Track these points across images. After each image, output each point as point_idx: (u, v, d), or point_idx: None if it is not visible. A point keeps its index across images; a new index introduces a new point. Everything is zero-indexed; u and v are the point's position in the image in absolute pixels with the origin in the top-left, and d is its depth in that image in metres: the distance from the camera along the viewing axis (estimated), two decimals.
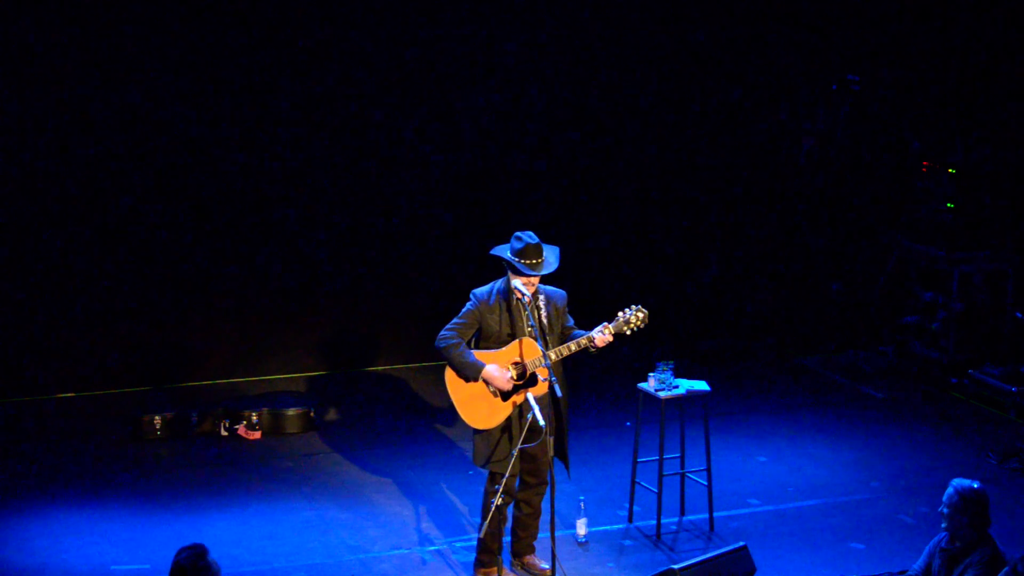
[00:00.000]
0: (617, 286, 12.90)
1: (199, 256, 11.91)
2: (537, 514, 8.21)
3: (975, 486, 6.78)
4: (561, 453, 8.01)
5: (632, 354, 12.23)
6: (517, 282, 7.78)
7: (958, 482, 6.81)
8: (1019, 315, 12.01)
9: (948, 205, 12.21)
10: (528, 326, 7.82)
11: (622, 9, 12.73)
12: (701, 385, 8.91)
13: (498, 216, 12.21)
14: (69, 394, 11.60)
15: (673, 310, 13.12)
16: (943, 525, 6.85)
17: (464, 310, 7.91)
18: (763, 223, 13.51)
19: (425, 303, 12.30)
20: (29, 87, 11.28)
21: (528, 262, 7.73)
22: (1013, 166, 12.31)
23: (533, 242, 7.76)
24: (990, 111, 12.51)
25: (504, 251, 7.85)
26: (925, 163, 12.32)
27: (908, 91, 12.88)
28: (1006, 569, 6.48)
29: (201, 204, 11.84)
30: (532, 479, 8.07)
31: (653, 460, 8.93)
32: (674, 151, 13.15)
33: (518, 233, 7.81)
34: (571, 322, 8.06)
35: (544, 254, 7.79)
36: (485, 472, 8.07)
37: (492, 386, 7.81)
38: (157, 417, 10.62)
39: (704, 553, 7.25)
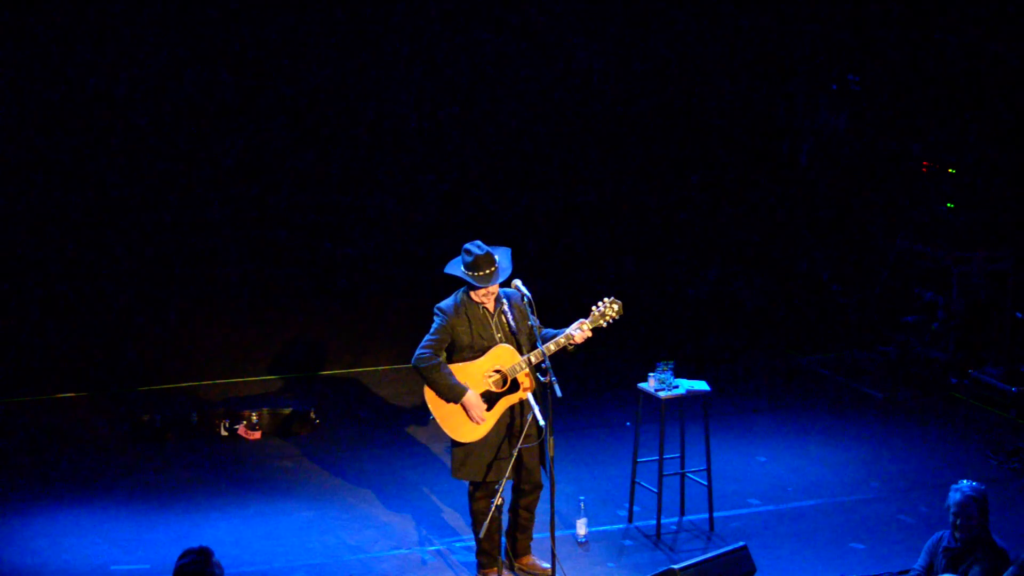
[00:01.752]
0: (617, 287, 12.85)
1: (199, 256, 11.93)
2: (533, 517, 8.18)
3: (978, 485, 6.79)
4: (541, 456, 7.93)
5: (632, 353, 12.23)
6: (477, 295, 7.78)
7: (963, 484, 6.80)
8: (1019, 315, 12.02)
9: (948, 205, 12.22)
10: (500, 331, 7.82)
11: (618, 9, 12.71)
12: (701, 385, 8.91)
13: (494, 216, 12.22)
14: (69, 394, 11.59)
15: (674, 310, 13.10)
16: (957, 535, 6.83)
17: (435, 326, 7.88)
18: (764, 223, 13.50)
19: (425, 303, 12.23)
20: (25, 91, 11.27)
21: (480, 274, 7.72)
22: (1013, 166, 12.32)
23: (482, 252, 7.75)
24: (990, 110, 12.52)
25: (457, 266, 7.84)
26: (925, 163, 12.34)
27: (908, 91, 12.89)
28: (1012, 568, 6.49)
29: (201, 204, 11.87)
30: (526, 486, 8.04)
31: (653, 460, 8.93)
32: (674, 151, 13.16)
33: (466, 245, 7.80)
34: (536, 322, 8.03)
35: (496, 261, 7.78)
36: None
37: (468, 413, 7.79)
38: (157, 417, 10.63)
39: (704, 553, 7.27)
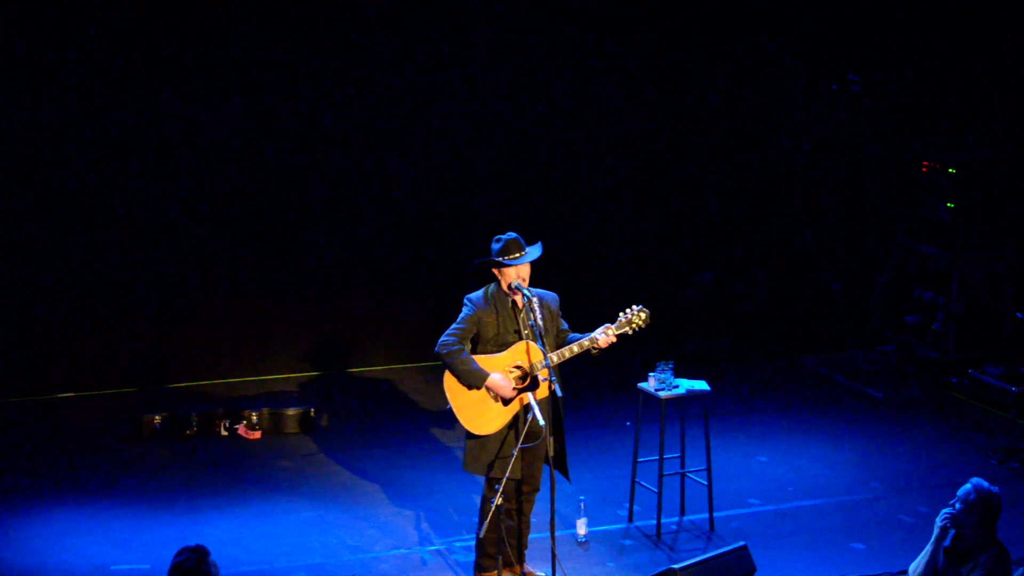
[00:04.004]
0: (617, 285, 12.86)
1: (199, 256, 11.89)
2: (527, 523, 8.10)
3: (993, 490, 6.75)
4: (560, 459, 7.88)
5: (632, 353, 12.19)
6: (515, 281, 7.75)
7: (978, 481, 6.76)
8: (1019, 315, 12.01)
9: (948, 205, 12.20)
10: (526, 328, 7.79)
11: (617, 7, 12.70)
12: (701, 385, 8.88)
13: (494, 217, 12.17)
14: (69, 394, 11.57)
15: (675, 311, 13.07)
16: (948, 518, 6.80)
17: (462, 315, 7.85)
18: (763, 222, 13.49)
19: (425, 303, 12.30)
20: (28, 92, 11.26)
21: (513, 256, 7.75)
22: (1013, 166, 12.30)
23: (512, 237, 7.79)
24: (990, 110, 12.50)
25: (487, 258, 7.85)
26: (925, 163, 12.29)
27: (908, 90, 12.84)
28: (1021, 570, 6.45)
29: (202, 204, 11.84)
30: (525, 486, 7.98)
31: (653, 460, 8.90)
32: (673, 150, 13.13)
33: (496, 236, 7.84)
34: (565, 325, 8.03)
35: (526, 247, 7.83)
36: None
37: (495, 393, 7.78)
38: (157, 417, 10.59)
39: (704, 553, 7.25)
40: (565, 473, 7.93)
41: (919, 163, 12.37)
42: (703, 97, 13.09)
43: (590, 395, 11.61)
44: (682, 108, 13.09)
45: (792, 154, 13.37)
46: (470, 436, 7.91)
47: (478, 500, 8.15)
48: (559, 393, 7.50)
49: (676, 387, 8.80)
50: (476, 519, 8.25)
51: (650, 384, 8.82)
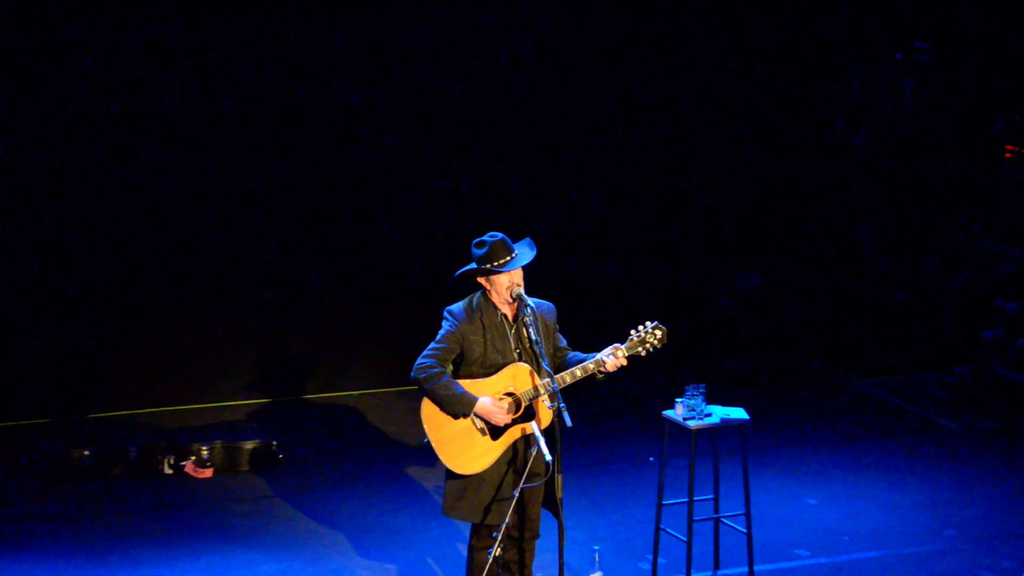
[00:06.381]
0: (640, 298, 13.00)
1: (139, 266, 12.03)
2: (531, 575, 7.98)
3: None
4: (551, 498, 7.74)
5: (656, 376, 12.13)
6: (515, 289, 7.60)
7: None
8: None
9: None
10: (518, 348, 7.65)
11: None
12: (738, 413, 8.77)
13: (489, 225, 12.15)
14: None
15: (706, 325, 13.11)
16: None
17: (442, 332, 7.71)
18: (812, 221, 13.53)
19: (401, 321, 12.46)
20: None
21: (503, 261, 7.60)
22: None
23: (498, 239, 7.65)
24: None
25: (470, 267, 7.71)
26: (1009, 147, 12.38)
27: (988, 60, 12.94)
28: None
29: (148, 211, 11.97)
30: (527, 533, 7.85)
31: (682, 503, 8.83)
32: (707, 137, 13.28)
33: (476, 240, 7.70)
34: (563, 342, 7.90)
35: (514, 249, 7.69)
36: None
37: (486, 422, 7.61)
38: (86, 451, 10.57)
39: None
40: (557, 513, 7.73)
41: (1002, 147, 12.44)
42: (741, 67, 13.25)
43: (606, 424, 11.68)
44: (718, 80, 13.28)
45: (846, 138, 13.35)
46: (452, 476, 7.73)
47: (466, 551, 8.02)
48: (568, 423, 7.31)
49: (708, 415, 8.68)
50: (465, 574, 8.09)
51: (677, 412, 8.69)
